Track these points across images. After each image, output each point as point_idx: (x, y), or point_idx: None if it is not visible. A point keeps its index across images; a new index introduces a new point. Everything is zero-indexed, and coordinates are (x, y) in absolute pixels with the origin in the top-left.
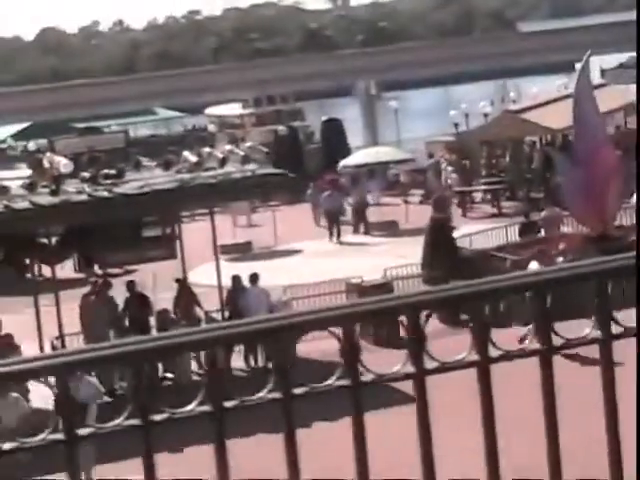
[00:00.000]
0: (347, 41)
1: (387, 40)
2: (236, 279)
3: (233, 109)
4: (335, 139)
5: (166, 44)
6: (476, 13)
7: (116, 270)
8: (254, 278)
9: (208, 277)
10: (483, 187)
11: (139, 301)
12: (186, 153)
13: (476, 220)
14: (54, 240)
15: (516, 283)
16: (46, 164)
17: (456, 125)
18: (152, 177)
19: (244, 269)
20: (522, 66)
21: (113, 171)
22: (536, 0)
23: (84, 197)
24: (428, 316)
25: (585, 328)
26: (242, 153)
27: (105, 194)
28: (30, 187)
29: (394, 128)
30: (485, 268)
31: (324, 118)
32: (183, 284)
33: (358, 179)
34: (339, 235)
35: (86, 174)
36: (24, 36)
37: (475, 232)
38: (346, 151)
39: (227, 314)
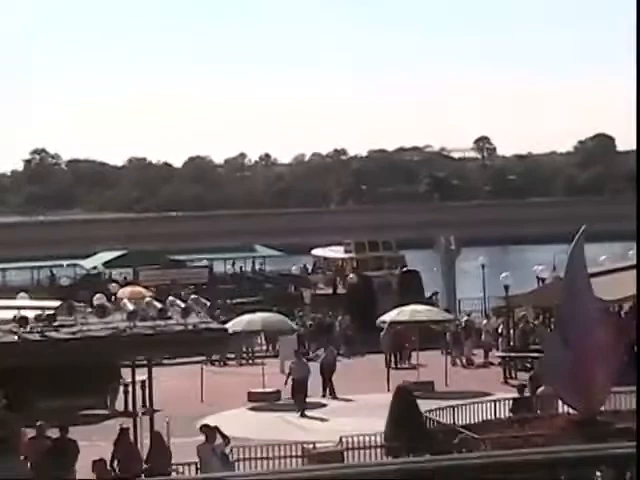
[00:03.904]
0: (472, 192)
1: (512, 194)
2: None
3: (337, 252)
4: (410, 291)
5: (306, 182)
6: (615, 175)
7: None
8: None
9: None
10: (527, 354)
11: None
12: (125, 301)
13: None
14: None
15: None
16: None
17: (506, 287)
18: (86, 323)
19: (257, 419)
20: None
21: (47, 314)
22: None
23: (13, 338)
24: None
25: None
26: (183, 305)
27: (37, 337)
28: None
29: (479, 284)
30: (446, 445)
31: (403, 269)
32: (156, 437)
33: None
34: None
35: (18, 315)
36: (173, 162)
37: (464, 403)
38: (418, 303)
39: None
